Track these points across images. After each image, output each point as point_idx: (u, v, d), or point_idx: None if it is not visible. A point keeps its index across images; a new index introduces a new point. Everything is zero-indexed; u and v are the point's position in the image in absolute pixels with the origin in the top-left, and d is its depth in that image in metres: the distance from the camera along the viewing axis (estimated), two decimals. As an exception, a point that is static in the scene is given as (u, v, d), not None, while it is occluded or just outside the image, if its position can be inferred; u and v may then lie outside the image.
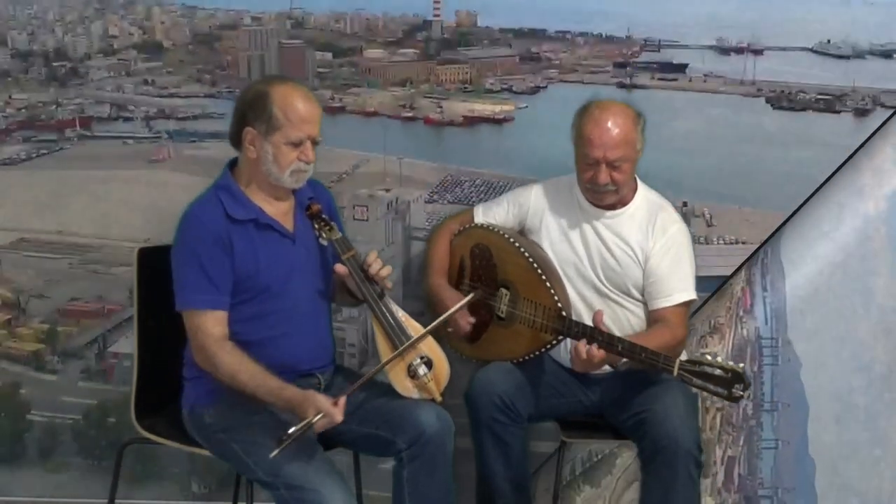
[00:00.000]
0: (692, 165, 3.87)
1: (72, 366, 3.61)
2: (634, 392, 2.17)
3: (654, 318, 2.29)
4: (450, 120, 3.90)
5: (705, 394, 2.01)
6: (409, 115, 3.92)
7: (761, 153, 3.82)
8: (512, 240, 2.36)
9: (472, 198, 3.57)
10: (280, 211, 2.14)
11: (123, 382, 3.37)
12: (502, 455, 2.32)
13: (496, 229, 2.42)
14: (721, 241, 3.69)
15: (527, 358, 2.31)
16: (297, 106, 2.02)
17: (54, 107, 3.83)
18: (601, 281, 2.35)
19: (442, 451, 2.07)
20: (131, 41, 3.95)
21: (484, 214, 2.51)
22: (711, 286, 3.56)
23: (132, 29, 3.97)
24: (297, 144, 2.04)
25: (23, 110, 3.79)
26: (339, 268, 2.16)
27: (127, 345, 3.41)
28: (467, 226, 2.52)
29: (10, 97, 3.79)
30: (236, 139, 2.11)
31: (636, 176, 2.41)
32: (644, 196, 2.40)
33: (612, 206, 2.36)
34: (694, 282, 2.37)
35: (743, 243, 3.69)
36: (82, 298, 3.63)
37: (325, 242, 2.16)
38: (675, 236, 2.34)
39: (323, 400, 1.87)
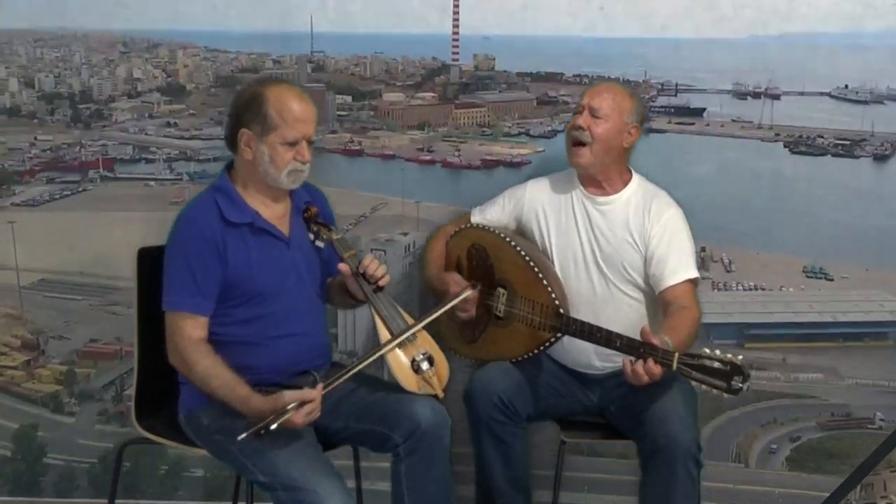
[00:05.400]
0: (710, 209, 3.86)
1: (89, 408, 3.61)
2: (634, 392, 2.13)
3: (665, 300, 2.26)
4: (468, 163, 3.93)
5: (704, 387, 1.96)
6: (428, 158, 3.95)
7: (779, 197, 3.80)
8: (508, 239, 2.35)
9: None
10: (276, 214, 2.14)
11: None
12: (502, 455, 2.29)
13: (492, 229, 2.41)
14: (740, 288, 3.66)
15: (526, 357, 2.29)
16: (291, 106, 2.04)
17: (78, 148, 3.89)
18: (600, 269, 2.34)
19: (438, 444, 2.04)
20: (155, 84, 4.02)
21: (481, 214, 2.51)
22: (731, 332, 3.53)
23: (156, 72, 4.05)
24: (292, 144, 2.04)
25: (47, 151, 3.85)
26: (343, 266, 2.14)
27: (144, 388, 3.40)
28: (463, 226, 2.52)
29: (35, 139, 3.86)
30: (232, 141, 2.13)
31: (631, 168, 2.41)
32: (639, 184, 2.40)
33: (603, 190, 2.37)
34: (695, 261, 2.34)
35: (762, 289, 3.66)
36: (101, 339, 3.64)
37: (321, 245, 2.16)
38: (672, 218, 2.33)
39: (292, 392, 1.84)
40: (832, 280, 3.72)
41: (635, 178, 2.68)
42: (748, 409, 3.32)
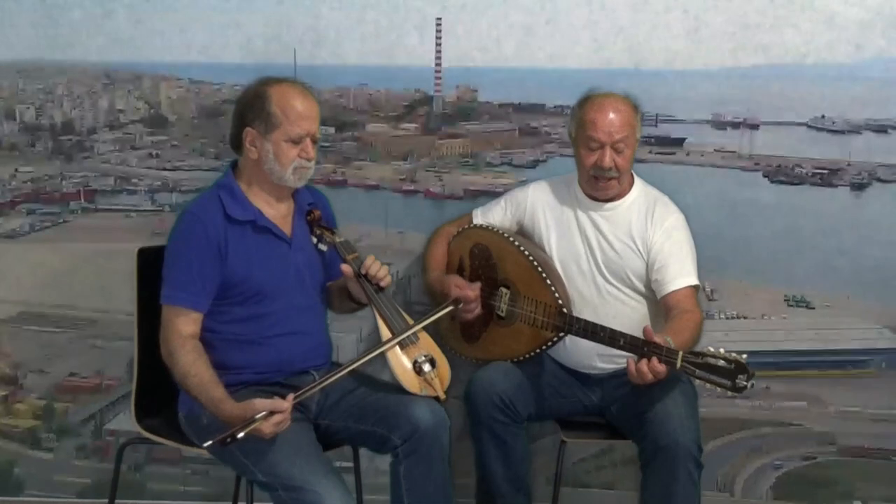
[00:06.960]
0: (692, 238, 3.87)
1: (67, 444, 3.56)
2: (634, 392, 2.17)
3: (667, 305, 2.31)
4: (450, 193, 3.93)
5: (709, 386, 1.98)
6: (411, 188, 3.95)
7: (760, 226, 3.84)
8: (511, 239, 2.38)
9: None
10: (279, 214, 2.19)
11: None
12: (502, 455, 2.32)
13: (495, 229, 2.45)
14: (722, 316, 3.68)
15: (527, 357, 2.31)
16: (294, 104, 2.10)
17: (59, 180, 3.86)
18: (602, 274, 2.36)
19: (437, 445, 2.09)
20: (138, 115, 4.01)
21: (483, 216, 2.53)
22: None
23: (139, 103, 4.04)
24: (296, 142, 2.11)
25: (28, 183, 3.83)
26: (345, 268, 2.19)
27: (124, 421, 3.37)
28: (466, 227, 2.53)
29: (16, 170, 3.84)
30: (236, 141, 2.18)
31: (633, 171, 2.44)
32: (641, 188, 2.44)
33: (611, 199, 2.38)
34: (696, 269, 2.38)
35: (744, 318, 3.68)
36: (80, 373, 3.60)
37: (324, 248, 2.20)
38: (674, 224, 2.38)
39: (263, 401, 1.86)
40: (814, 308, 3.75)
41: (638, 182, 2.71)
42: (733, 438, 3.32)
